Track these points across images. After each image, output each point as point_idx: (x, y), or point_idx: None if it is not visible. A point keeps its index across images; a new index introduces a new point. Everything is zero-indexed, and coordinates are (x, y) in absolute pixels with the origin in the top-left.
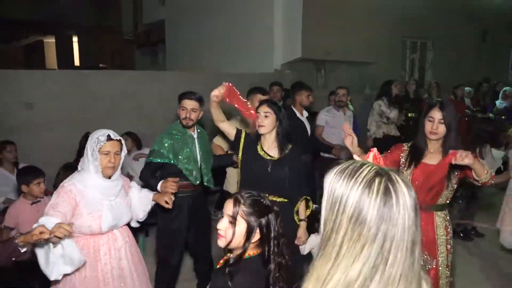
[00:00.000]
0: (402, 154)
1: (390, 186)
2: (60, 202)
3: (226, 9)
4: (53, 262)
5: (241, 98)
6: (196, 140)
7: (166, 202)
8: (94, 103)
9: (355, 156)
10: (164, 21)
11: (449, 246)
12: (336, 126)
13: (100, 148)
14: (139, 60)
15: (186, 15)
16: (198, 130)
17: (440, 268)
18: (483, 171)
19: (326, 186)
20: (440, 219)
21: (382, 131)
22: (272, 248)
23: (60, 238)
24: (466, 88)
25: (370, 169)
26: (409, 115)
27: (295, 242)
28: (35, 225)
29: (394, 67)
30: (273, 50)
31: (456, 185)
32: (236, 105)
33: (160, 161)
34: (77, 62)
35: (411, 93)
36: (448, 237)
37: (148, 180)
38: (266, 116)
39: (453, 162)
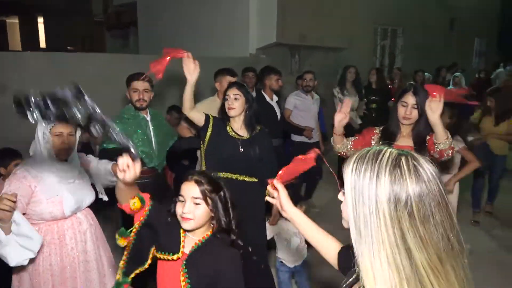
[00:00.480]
0: (373, 137)
1: (416, 163)
2: (13, 190)
3: None
4: (5, 245)
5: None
6: (149, 123)
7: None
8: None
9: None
10: (136, 3)
11: None
12: (305, 109)
13: (50, 129)
14: (109, 43)
15: None
16: (151, 113)
17: None
18: (443, 135)
19: (348, 179)
20: None
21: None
22: (233, 217)
23: (7, 210)
24: (425, 74)
25: (391, 150)
26: (372, 105)
27: (268, 223)
28: None
29: (366, 53)
30: (248, 35)
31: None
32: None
33: (115, 147)
34: (43, 44)
35: (373, 83)
36: None
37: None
38: (236, 99)
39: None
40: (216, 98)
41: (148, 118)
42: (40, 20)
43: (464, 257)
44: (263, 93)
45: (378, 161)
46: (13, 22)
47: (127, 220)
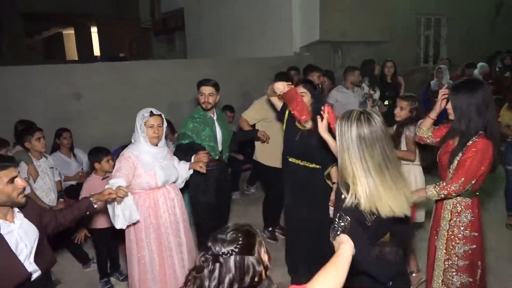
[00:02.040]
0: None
1: (369, 116)
2: (123, 167)
3: None
4: (117, 215)
5: (299, 101)
6: (215, 122)
7: (200, 167)
8: (133, 91)
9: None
10: (183, 9)
11: (450, 233)
12: (347, 103)
13: (145, 122)
14: (156, 48)
15: (205, 2)
16: (217, 113)
17: (438, 249)
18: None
19: (337, 129)
20: (448, 203)
21: None
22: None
23: (121, 197)
24: (479, 64)
25: (356, 112)
26: (386, 102)
27: (329, 204)
28: (106, 186)
29: (409, 44)
30: (291, 34)
31: None
32: (292, 109)
33: (187, 142)
34: (96, 52)
35: (388, 77)
36: (451, 223)
37: (182, 159)
38: (302, 96)
39: None
40: (263, 101)
41: (214, 118)
42: (93, 29)
43: (399, 175)
44: None
45: (350, 118)
46: (69, 33)
47: None
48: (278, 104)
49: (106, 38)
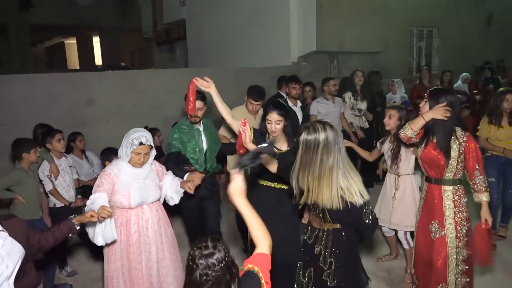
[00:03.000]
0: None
1: (325, 125)
2: (103, 182)
3: (244, 7)
4: (97, 233)
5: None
6: (202, 132)
7: (189, 187)
8: (142, 98)
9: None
10: (185, 20)
11: (457, 218)
12: (327, 114)
13: (133, 149)
14: (157, 58)
15: (206, 14)
16: (204, 123)
17: (448, 237)
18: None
19: (300, 139)
20: (448, 193)
21: (355, 123)
22: None
23: (104, 218)
24: (463, 74)
25: (319, 123)
26: (377, 109)
27: (302, 221)
28: (87, 202)
29: (402, 55)
30: (289, 44)
31: (462, 163)
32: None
33: (175, 151)
34: (98, 61)
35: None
36: (456, 210)
37: (175, 172)
38: (277, 124)
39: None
40: (244, 108)
41: (201, 129)
42: (95, 39)
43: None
44: (287, 100)
45: (309, 129)
46: (71, 42)
47: None
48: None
49: (108, 48)
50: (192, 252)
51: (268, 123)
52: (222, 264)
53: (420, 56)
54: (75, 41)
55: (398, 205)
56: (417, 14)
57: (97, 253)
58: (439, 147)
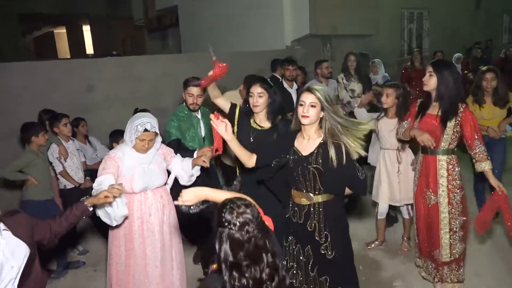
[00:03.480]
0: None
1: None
2: (108, 165)
3: None
4: (110, 213)
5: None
6: (200, 120)
7: (204, 161)
8: (139, 84)
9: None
10: (177, 7)
11: (450, 186)
12: None
13: (137, 136)
14: (149, 45)
15: None
16: (201, 110)
17: (441, 204)
18: None
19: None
20: (442, 162)
21: (352, 104)
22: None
23: (115, 197)
24: (456, 54)
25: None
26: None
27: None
28: (94, 185)
29: (393, 38)
30: (283, 28)
31: (456, 133)
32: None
33: (175, 139)
34: (89, 50)
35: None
36: (450, 178)
37: (182, 155)
38: (260, 96)
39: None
40: (238, 93)
41: (199, 116)
42: (86, 28)
43: None
44: (283, 81)
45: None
46: (61, 32)
47: None
48: (225, 106)
49: (99, 37)
50: (223, 214)
51: (250, 96)
52: (258, 220)
53: (411, 38)
54: (65, 31)
55: (405, 178)
56: None
57: (105, 232)
58: (444, 116)
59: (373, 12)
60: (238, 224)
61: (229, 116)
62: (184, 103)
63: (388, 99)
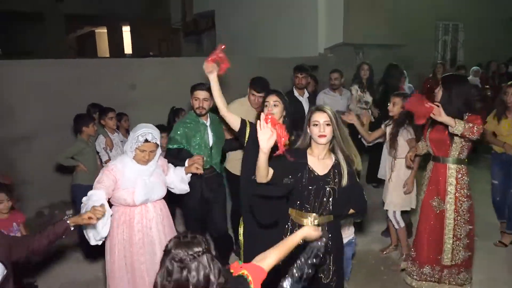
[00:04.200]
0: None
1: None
2: (104, 178)
3: None
4: (92, 234)
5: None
6: (208, 127)
7: (196, 168)
8: (178, 84)
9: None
10: (214, 11)
11: (458, 194)
12: (333, 105)
13: (137, 146)
14: (184, 48)
15: (235, 4)
16: (211, 117)
17: (448, 211)
18: (452, 124)
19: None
20: (451, 171)
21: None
22: None
23: (98, 218)
24: (473, 68)
25: None
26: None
27: None
28: (83, 199)
29: (427, 48)
30: (317, 36)
31: (466, 142)
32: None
33: (177, 147)
34: (127, 50)
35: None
36: (458, 187)
37: (175, 163)
38: (275, 105)
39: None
40: (246, 101)
41: (208, 123)
42: (125, 29)
43: None
44: (294, 90)
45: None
46: (101, 31)
47: None
48: (235, 124)
49: (137, 38)
50: (169, 241)
51: (265, 106)
52: (199, 255)
53: (445, 50)
54: (105, 30)
55: (394, 186)
56: (443, 9)
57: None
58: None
59: (407, 23)
60: (175, 255)
61: (240, 133)
62: (192, 110)
63: (394, 107)
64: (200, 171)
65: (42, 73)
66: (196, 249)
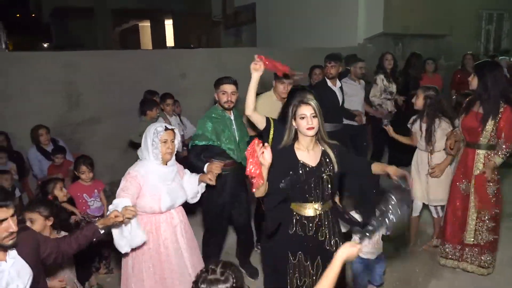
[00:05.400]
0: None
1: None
2: (128, 186)
3: None
4: (125, 237)
5: (274, 62)
6: (233, 122)
7: (210, 179)
8: (224, 74)
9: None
10: (255, 4)
11: (483, 178)
12: (353, 95)
13: (160, 137)
14: (224, 41)
15: None
16: (234, 113)
17: (472, 193)
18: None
19: None
20: (480, 156)
21: (387, 108)
22: None
23: (129, 218)
24: (502, 58)
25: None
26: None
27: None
28: (110, 207)
29: (469, 38)
30: (356, 26)
31: (496, 131)
32: (272, 68)
33: (205, 144)
34: (169, 43)
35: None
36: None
37: (195, 162)
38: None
39: None
40: (272, 94)
41: (232, 118)
42: (168, 22)
43: None
44: (326, 79)
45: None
46: (145, 25)
47: None
48: (260, 123)
49: (179, 31)
50: (199, 273)
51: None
52: None
53: (489, 40)
54: (149, 24)
55: (436, 181)
56: None
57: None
58: (485, 114)
59: (448, 12)
60: None
61: (264, 132)
62: (216, 104)
63: (417, 100)
64: (213, 183)
65: (105, 63)
66: (222, 287)
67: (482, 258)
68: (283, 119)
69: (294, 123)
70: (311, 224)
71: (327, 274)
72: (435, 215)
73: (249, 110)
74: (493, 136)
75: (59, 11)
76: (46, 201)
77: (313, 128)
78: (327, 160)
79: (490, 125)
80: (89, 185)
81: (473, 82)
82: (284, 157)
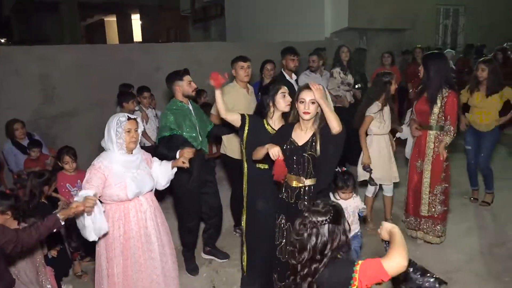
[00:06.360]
0: None
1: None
2: (92, 177)
3: None
4: (87, 226)
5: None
6: (192, 111)
7: (183, 162)
8: (197, 68)
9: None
10: None
11: (435, 156)
12: None
13: (123, 127)
14: (192, 36)
15: None
16: (191, 103)
17: (425, 170)
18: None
19: None
20: (431, 136)
21: (347, 98)
22: None
23: (90, 207)
24: (447, 51)
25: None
26: (356, 86)
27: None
28: (75, 199)
29: (429, 33)
30: (323, 21)
31: (443, 113)
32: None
33: (169, 134)
34: (136, 38)
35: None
36: (436, 150)
37: (165, 153)
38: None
39: None
40: (234, 84)
41: (191, 108)
42: (135, 17)
43: None
44: (283, 72)
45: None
46: (111, 20)
47: None
48: (236, 121)
49: (146, 25)
50: (307, 205)
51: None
52: (321, 224)
53: (446, 34)
54: (115, 19)
55: (393, 160)
56: None
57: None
58: (429, 98)
59: (410, 7)
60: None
61: (240, 128)
62: (173, 98)
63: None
64: (186, 165)
65: (80, 57)
66: (320, 218)
67: (437, 228)
68: (261, 112)
69: (296, 105)
70: (292, 194)
71: (401, 241)
72: (390, 194)
73: (222, 113)
74: (441, 118)
75: (21, 5)
76: (1, 195)
77: (308, 113)
78: (313, 143)
79: (436, 108)
80: (73, 175)
81: (421, 71)
82: (283, 132)
